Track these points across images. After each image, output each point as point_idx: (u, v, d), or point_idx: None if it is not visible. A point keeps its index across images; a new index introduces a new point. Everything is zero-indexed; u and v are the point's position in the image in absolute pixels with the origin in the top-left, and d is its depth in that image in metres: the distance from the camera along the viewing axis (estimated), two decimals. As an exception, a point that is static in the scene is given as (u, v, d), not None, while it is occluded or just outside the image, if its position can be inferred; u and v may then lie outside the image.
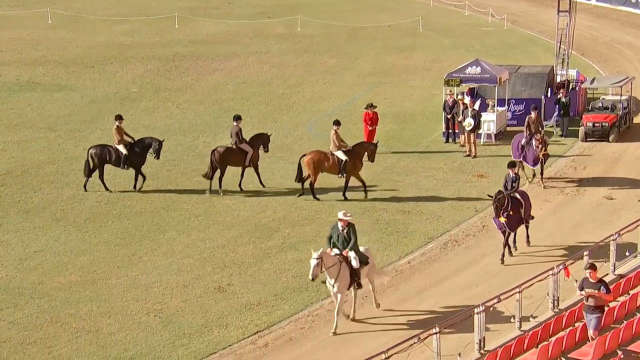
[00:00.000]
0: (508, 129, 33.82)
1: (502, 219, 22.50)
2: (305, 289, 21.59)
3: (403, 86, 41.28)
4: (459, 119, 31.67)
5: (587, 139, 32.57)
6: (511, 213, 22.52)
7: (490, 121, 32.79)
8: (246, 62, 46.79)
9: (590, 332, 17.05)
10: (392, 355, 16.24)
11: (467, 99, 32.20)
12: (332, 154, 27.02)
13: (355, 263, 19.60)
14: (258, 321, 20.16)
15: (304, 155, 27.15)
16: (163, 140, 28.23)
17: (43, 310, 20.60)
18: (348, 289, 19.65)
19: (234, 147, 27.80)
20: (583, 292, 17.11)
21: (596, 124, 32.64)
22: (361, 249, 20.19)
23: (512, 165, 23.84)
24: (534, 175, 28.42)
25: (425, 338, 17.02)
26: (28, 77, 43.69)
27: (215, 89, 41.40)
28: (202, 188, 27.72)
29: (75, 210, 26.44)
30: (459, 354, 17.66)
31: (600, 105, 33.78)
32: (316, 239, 24.19)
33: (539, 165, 27.96)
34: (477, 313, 17.87)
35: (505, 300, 18.33)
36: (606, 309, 17.44)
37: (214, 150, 27.81)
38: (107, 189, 27.70)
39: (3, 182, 28.59)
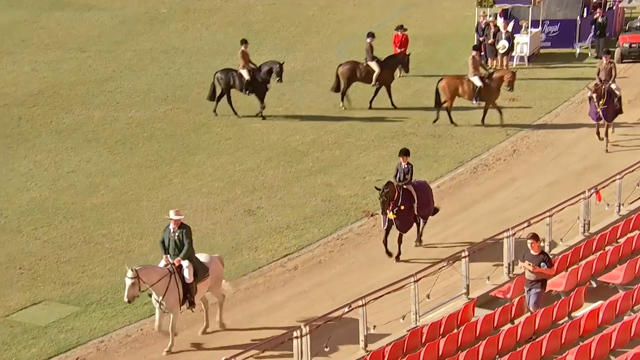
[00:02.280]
0: (541, 51, 33.41)
1: (391, 216, 19.12)
2: (334, 213, 21.74)
3: (435, 8, 40.70)
4: (490, 42, 31.29)
5: (623, 61, 32.05)
6: (402, 208, 19.13)
7: (523, 43, 32.37)
8: (276, -17, 46.35)
9: (530, 307, 15.69)
10: (421, 278, 16.41)
11: (500, 21, 31.78)
12: (468, 80, 26.63)
13: (187, 275, 16.22)
14: (287, 244, 20.37)
15: (440, 79, 27.00)
16: (283, 63, 27.53)
17: (76, 230, 20.95)
18: (181, 305, 16.42)
19: (363, 63, 27.60)
20: (525, 265, 15.66)
21: (633, 45, 32.09)
22: (203, 257, 16.80)
23: (404, 153, 19.64)
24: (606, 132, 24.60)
25: (454, 262, 17.16)
26: (57, -4, 43.61)
27: (245, 10, 41.07)
28: (231, 112, 27.72)
29: (106, 132, 26.64)
30: (488, 278, 17.78)
31: (638, 25, 33.16)
32: (345, 163, 24.32)
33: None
34: (507, 237, 17.95)
35: (535, 224, 18.35)
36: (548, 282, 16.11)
37: (339, 66, 27.73)
38: (235, 113, 27.23)
39: (35, 103, 28.77)
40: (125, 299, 15.89)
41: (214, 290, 16.94)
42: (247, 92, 27.15)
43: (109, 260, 19.66)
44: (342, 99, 27.99)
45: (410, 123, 27.11)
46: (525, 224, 18.28)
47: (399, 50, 30.72)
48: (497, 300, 17.00)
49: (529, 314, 15.80)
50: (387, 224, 19.26)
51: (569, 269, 17.28)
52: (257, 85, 27.13)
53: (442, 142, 25.84)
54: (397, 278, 16.70)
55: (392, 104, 27.90)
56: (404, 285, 16.29)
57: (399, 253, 19.37)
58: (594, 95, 23.56)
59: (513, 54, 31.66)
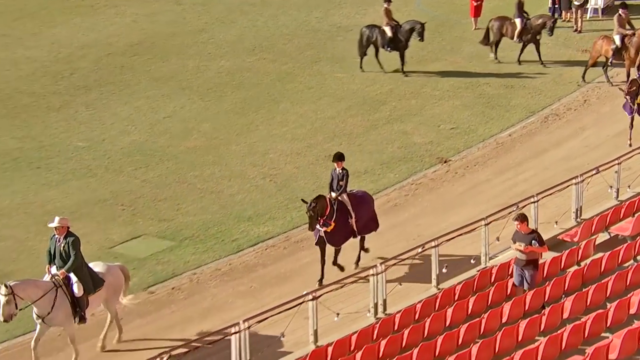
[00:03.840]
0: (616, 2, 32.34)
1: (327, 229, 16.05)
2: (409, 159, 21.63)
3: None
4: (565, -6, 30.37)
5: None
6: (332, 224, 16.05)
7: (597, -4, 31.34)
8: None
9: (525, 288, 14.49)
10: (491, 222, 16.28)
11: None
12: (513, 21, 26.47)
13: (76, 290, 14.02)
14: (365, 188, 20.31)
15: (490, 19, 26.88)
16: (425, 23, 26.69)
17: (171, 171, 21.27)
18: (79, 321, 14.31)
19: (511, 19, 26.94)
20: (516, 246, 14.43)
21: None
22: (99, 267, 14.59)
23: (337, 157, 16.61)
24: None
25: (524, 206, 16.95)
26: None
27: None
28: (316, 60, 27.63)
29: (199, 80, 26.85)
30: (556, 222, 17.56)
31: None
32: (421, 112, 24.15)
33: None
34: (575, 184, 17.65)
35: (604, 171, 17.99)
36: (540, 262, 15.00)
37: (491, 20, 27.19)
38: (381, 67, 26.58)
39: (135, 52, 29.09)
40: (1, 319, 13.52)
41: (109, 303, 14.66)
42: (389, 48, 26.40)
43: (200, 200, 19.94)
44: (495, 52, 27.16)
45: (483, 74, 26.66)
46: (594, 171, 17.94)
47: (476, 4, 30.06)
48: (565, 244, 16.78)
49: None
50: (317, 239, 16.23)
51: (636, 215, 16.93)
52: (399, 42, 26.36)
53: (514, 93, 25.37)
54: (469, 221, 16.59)
55: (540, 61, 26.74)
56: (475, 228, 16.19)
57: (322, 276, 16.30)
58: (628, 98, 20.98)
59: (587, 6, 30.71)
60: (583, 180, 17.65)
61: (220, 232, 18.61)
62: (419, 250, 15.69)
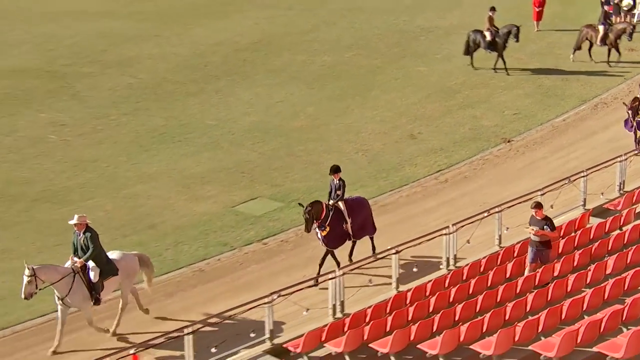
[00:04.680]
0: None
1: (322, 233, 14.87)
2: (478, 139, 21.28)
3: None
4: (616, 1, 29.13)
5: None
6: (327, 228, 14.79)
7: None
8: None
9: (528, 264, 13.90)
10: (546, 192, 15.92)
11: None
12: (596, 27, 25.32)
13: (92, 276, 13.34)
14: (440, 162, 20.17)
15: (582, 27, 25.56)
16: (520, 26, 25.74)
17: (282, 145, 21.42)
18: (94, 303, 13.49)
19: (595, 26, 25.68)
20: (529, 229, 13.84)
21: None
22: (115, 255, 13.70)
23: (334, 170, 15.37)
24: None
25: (575, 180, 16.52)
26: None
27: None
28: (402, 56, 27.35)
29: (305, 72, 26.88)
30: (602, 193, 17.07)
31: None
32: (489, 99, 23.68)
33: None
34: (619, 161, 17.09)
35: (645, 152, 17.36)
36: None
37: (582, 27, 25.89)
38: (472, 65, 25.71)
39: (255, 49, 29.19)
40: (22, 296, 12.89)
41: (123, 287, 13.77)
42: (489, 50, 25.71)
43: (305, 170, 20.04)
44: (574, 53, 26.00)
45: (543, 68, 25.91)
46: (637, 151, 17.31)
47: (537, 10, 29.19)
48: (609, 212, 16.31)
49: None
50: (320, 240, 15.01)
51: (674, 190, 16.33)
52: (497, 44, 25.61)
53: (568, 84, 24.61)
54: (527, 192, 16.26)
55: (618, 60, 25.43)
56: (532, 197, 15.86)
57: (318, 275, 14.46)
58: (630, 113, 19.15)
59: (635, 11, 29.39)
60: (626, 159, 17.10)
61: (321, 196, 18.67)
62: (485, 214, 15.47)
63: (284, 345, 12.62)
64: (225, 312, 12.87)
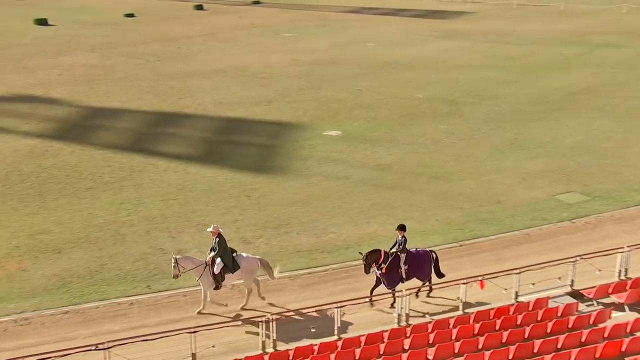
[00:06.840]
0: None
1: (380, 272, 11.83)
2: None
3: None
4: None
5: None
6: (383, 269, 11.75)
7: None
8: None
9: None
10: None
11: None
12: None
13: (215, 269, 11.63)
14: None
15: None
16: None
17: (593, 158, 18.93)
18: (214, 288, 11.78)
19: None
20: None
21: None
22: (240, 257, 11.72)
23: (400, 228, 12.08)
24: None
25: None
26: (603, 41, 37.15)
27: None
28: None
29: (618, 110, 22.88)
30: None
31: None
32: None
33: None
34: None
35: None
36: None
37: None
38: None
39: (583, 93, 25.61)
40: (172, 276, 11.60)
41: (244, 280, 11.94)
42: None
43: (607, 176, 17.61)
44: None
45: None
46: None
47: None
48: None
49: None
50: (376, 280, 12.10)
51: None
52: None
53: None
54: None
55: None
56: None
57: (371, 297, 11.85)
58: None
59: None
60: None
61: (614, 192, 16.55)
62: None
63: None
64: (538, 266, 11.76)
